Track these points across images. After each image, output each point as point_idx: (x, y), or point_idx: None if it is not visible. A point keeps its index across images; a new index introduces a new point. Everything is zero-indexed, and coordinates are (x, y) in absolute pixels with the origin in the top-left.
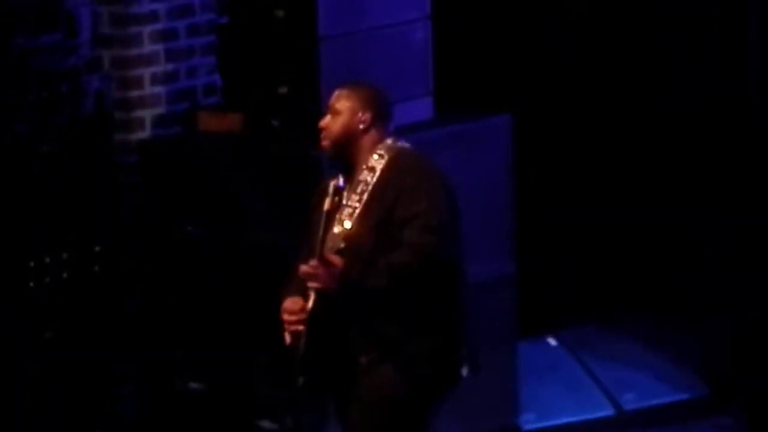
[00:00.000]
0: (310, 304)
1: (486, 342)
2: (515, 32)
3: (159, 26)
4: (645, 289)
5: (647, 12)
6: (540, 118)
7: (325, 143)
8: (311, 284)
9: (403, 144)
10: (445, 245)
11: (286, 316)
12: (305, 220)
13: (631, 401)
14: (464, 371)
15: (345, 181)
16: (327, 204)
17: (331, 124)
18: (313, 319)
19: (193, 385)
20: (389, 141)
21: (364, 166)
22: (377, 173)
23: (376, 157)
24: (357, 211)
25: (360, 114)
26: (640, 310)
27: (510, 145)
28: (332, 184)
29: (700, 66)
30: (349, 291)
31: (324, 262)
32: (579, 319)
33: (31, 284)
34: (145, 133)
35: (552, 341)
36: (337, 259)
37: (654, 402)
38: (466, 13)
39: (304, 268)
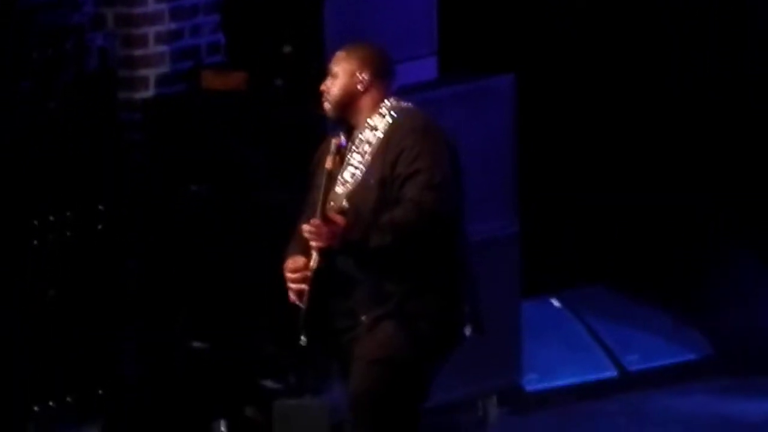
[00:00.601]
0: (312, 262)
1: (489, 302)
2: None
3: None
4: (647, 252)
5: None
6: (544, 78)
7: (327, 106)
8: (313, 243)
9: (406, 103)
10: (446, 202)
11: (288, 275)
12: (307, 180)
13: (634, 362)
14: (467, 330)
15: (347, 141)
16: (328, 162)
17: (331, 86)
18: (315, 277)
19: (196, 344)
20: (392, 100)
21: (366, 126)
22: (379, 132)
23: (378, 116)
24: (359, 170)
25: (358, 74)
26: (642, 271)
27: (513, 104)
28: (334, 142)
29: (701, 44)
30: (351, 249)
31: (325, 220)
32: (582, 280)
33: (35, 242)
34: (148, 92)
35: (555, 302)
36: (338, 218)
37: (657, 363)
38: None
39: (305, 226)
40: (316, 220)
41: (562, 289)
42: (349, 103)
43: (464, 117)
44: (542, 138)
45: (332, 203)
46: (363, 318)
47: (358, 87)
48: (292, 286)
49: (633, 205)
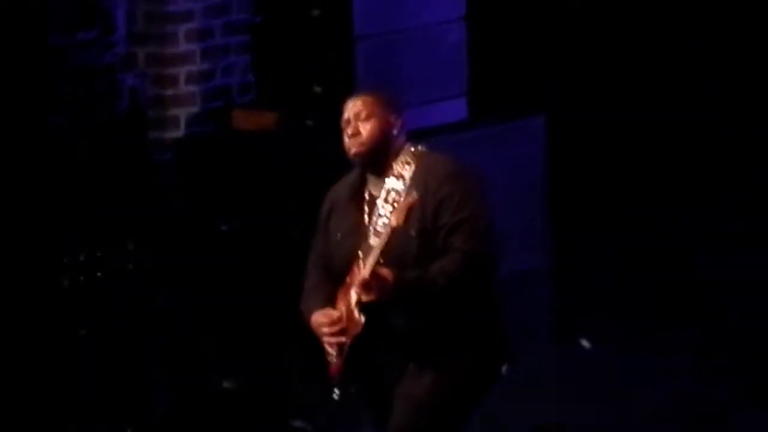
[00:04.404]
0: (359, 318)
1: (520, 342)
2: (549, 33)
3: (194, 25)
4: (678, 289)
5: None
6: (574, 118)
7: (360, 150)
8: (365, 298)
9: (424, 148)
10: (493, 246)
11: (325, 329)
12: (319, 224)
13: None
14: (504, 369)
15: (364, 187)
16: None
17: (364, 130)
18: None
19: (226, 384)
20: (409, 146)
21: (391, 174)
22: (407, 180)
23: (400, 163)
24: (393, 221)
25: (392, 117)
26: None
27: (544, 145)
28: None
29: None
30: (400, 301)
31: (375, 275)
32: (613, 319)
33: (66, 282)
34: (179, 132)
35: (585, 343)
36: (386, 271)
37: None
38: (501, 14)
39: (356, 285)
40: (366, 276)
41: (593, 330)
42: (382, 147)
43: (495, 158)
44: (575, 175)
45: (370, 257)
46: (410, 366)
47: (394, 131)
48: (332, 339)
49: (667, 242)
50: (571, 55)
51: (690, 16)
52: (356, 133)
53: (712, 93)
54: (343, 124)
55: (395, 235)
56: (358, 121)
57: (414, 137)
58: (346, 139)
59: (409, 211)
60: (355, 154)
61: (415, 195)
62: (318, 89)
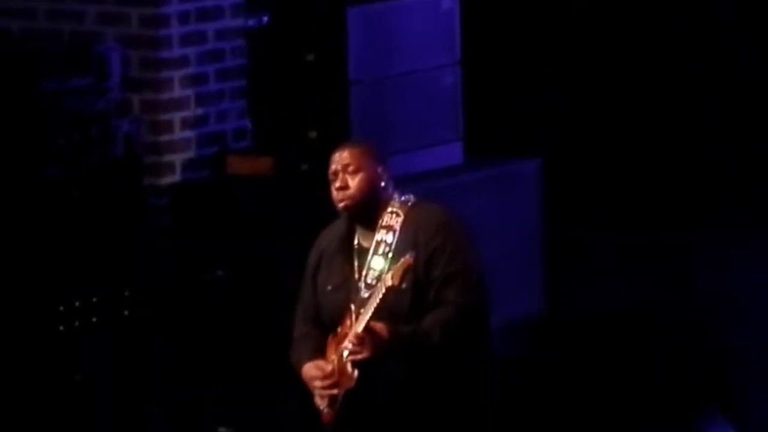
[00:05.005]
0: (353, 374)
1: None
2: (545, 77)
3: (189, 71)
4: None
5: (681, 54)
6: (570, 161)
7: (349, 203)
8: (360, 355)
9: (409, 197)
10: (485, 296)
11: (317, 383)
12: (306, 275)
13: None
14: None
15: (352, 238)
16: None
17: (353, 183)
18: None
19: (222, 429)
20: (398, 196)
21: (381, 225)
22: (397, 232)
23: (389, 215)
24: (382, 272)
25: (380, 169)
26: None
27: (540, 188)
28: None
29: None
30: (400, 354)
31: (370, 331)
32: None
33: (61, 328)
34: (175, 177)
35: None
36: (380, 327)
37: None
38: (496, 59)
39: (349, 341)
40: (360, 332)
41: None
42: (372, 199)
43: (491, 201)
44: (570, 218)
45: (362, 310)
46: (405, 414)
47: (382, 183)
48: (324, 392)
49: (666, 286)
50: (566, 97)
51: (686, 50)
52: (344, 187)
53: (710, 127)
54: (331, 176)
55: (389, 292)
56: (346, 173)
57: (409, 182)
58: (334, 192)
59: (405, 273)
60: (344, 207)
61: (410, 257)
62: (313, 134)
